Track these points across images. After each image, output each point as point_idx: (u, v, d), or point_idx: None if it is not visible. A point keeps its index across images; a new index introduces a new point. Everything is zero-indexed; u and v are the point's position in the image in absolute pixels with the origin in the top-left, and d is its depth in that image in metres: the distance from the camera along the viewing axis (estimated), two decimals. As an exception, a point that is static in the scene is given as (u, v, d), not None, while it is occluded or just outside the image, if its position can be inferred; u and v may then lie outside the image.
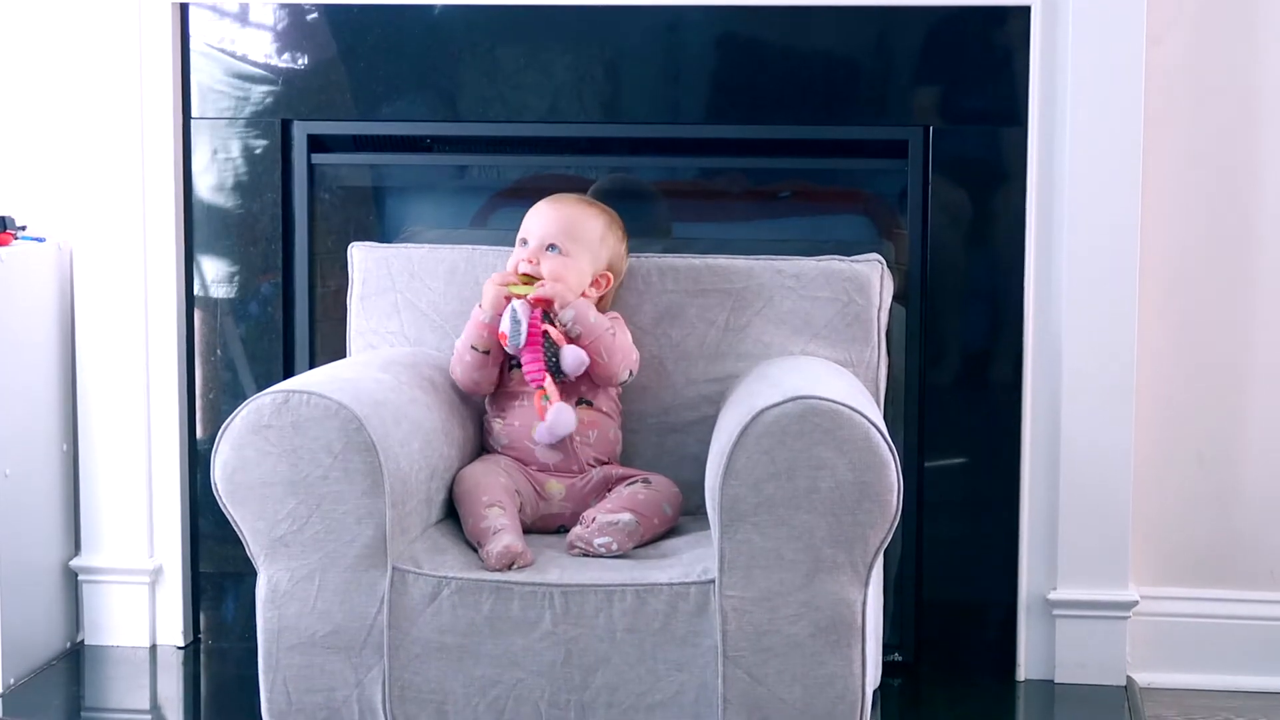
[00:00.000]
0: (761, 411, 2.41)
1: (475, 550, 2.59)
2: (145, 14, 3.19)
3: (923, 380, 3.15)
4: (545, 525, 2.76)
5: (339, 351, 3.10)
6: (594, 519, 2.62)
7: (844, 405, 2.41)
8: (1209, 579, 3.20)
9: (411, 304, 2.98)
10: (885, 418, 2.68)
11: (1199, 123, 3.12)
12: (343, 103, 3.21)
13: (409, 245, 3.06)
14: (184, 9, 3.22)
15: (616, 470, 2.80)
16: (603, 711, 2.48)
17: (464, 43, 3.17)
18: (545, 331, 2.73)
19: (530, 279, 2.78)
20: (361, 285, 3.01)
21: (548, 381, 2.73)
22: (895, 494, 2.41)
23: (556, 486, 2.78)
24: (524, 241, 2.84)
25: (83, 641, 3.33)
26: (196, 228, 3.26)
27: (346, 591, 2.50)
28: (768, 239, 3.23)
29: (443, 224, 3.36)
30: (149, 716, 3.08)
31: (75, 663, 3.26)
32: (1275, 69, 3.10)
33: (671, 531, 2.71)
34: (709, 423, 2.71)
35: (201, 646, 3.34)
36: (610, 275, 2.86)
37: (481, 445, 2.85)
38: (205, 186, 3.26)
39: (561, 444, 2.77)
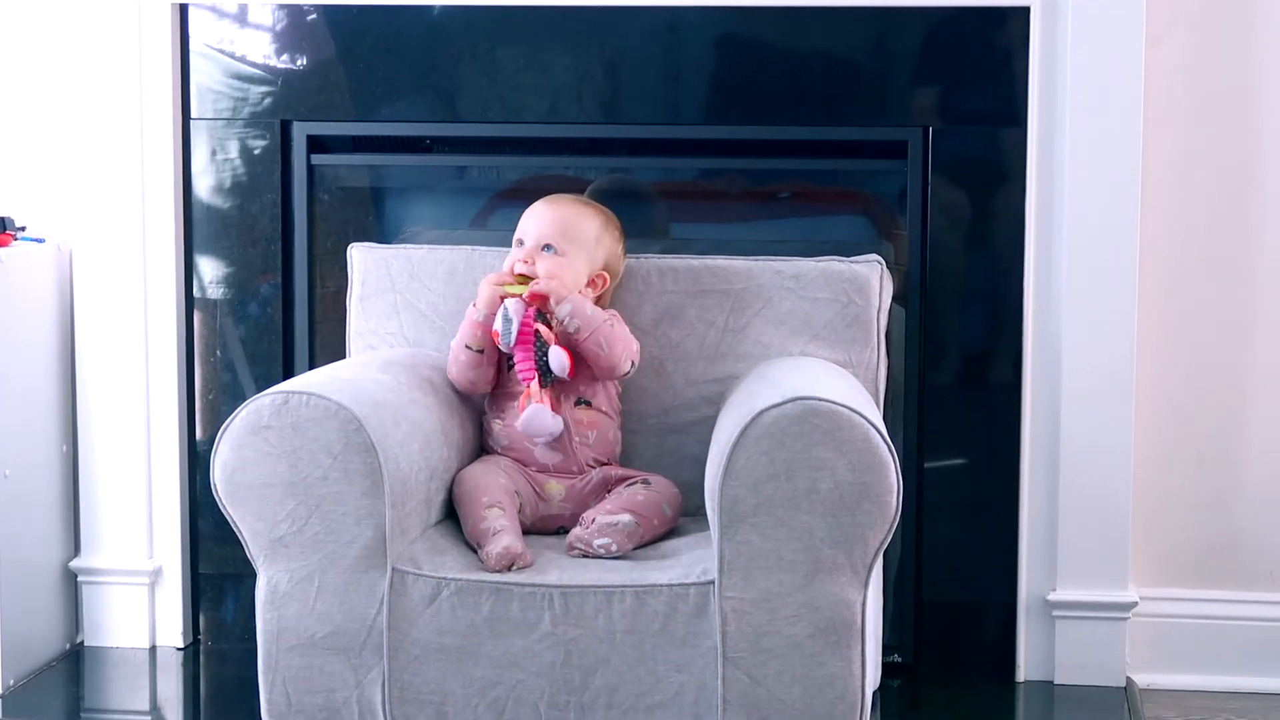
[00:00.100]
0: (761, 412, 2.41)
1: (475, 551, 2.59)
2: (145, 15, 3.19)
3: (922, 381, 3.15)
4: (545, 526, 2.76)
5: (338, 352, 3.10)
6: (593, 520, 2.62)
7: (843, 406, 2.41)
8: (1209, 580, 3.20)
9: (411, 305, 2.98)
10: (885, 418, 2.68)
11: (1199, 123, 3.12)
12: (342, 103, 3.21)
13: (408, 246, 3.06)
14: (183, 10, 3.22)
15: (616, 471, 2.80)
16: (602, 712, 2.47)
17: (463, 43, 3.16)
18: (537, 330, 2.74)
19: (526, 279, 2.78)
20: (361, 286, 3.01)
21: (534, 383, 2.72)
22: (895, 495, 2.40)
23: (556, 487, 2.78)
24: (520, 242, 2.84)
25: (82, 642, 3.33)
26: (196, 228, 3.26)
27: (346, 592, 2.50)
28: (767, 240, 3.23)
29: (442, 225, 3.36)
30: (149, 717, 3.08)
31: (75, 664, 3.26)
32: (1275, 69, 3.10)
33: (671, 532, 2.71)
34: (708, 423, 2.71)
35: (201, 648, 3.34)
36: (606, 275, 2.86)
37: (481, 446, 2.85)
38: (205, 187, 3.26)
39: (561, 445, 2.77)
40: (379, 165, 3.31)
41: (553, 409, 2.74)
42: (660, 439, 2.90)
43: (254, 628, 2.55)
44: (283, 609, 2.51)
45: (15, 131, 3.34)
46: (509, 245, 2.88)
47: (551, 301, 2.75)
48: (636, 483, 2.74)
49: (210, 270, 3.27)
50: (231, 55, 3.22)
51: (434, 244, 3.07)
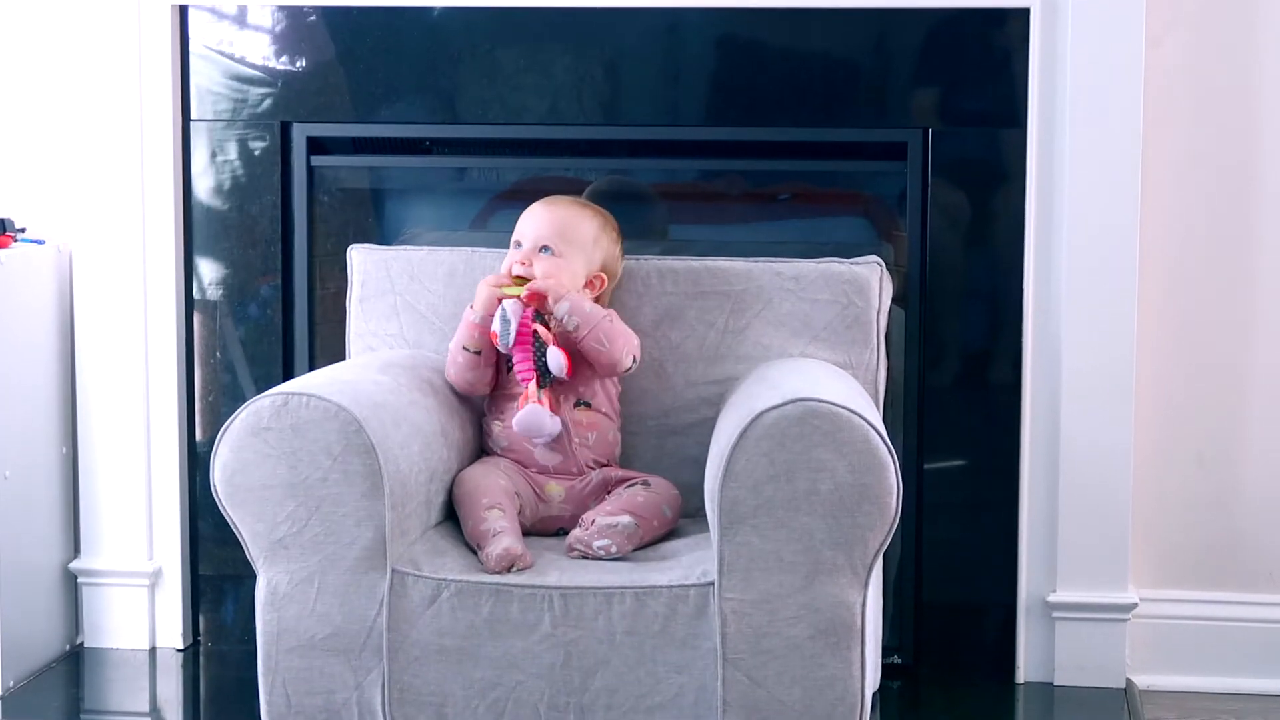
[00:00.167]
0: (761, 414, 2.41)
1: (475, 553, 2.59)
2: (145, 16, 3.19)
3: (922, 382, 3.15)
4: (545, 528, 2.76)
5: (338, 354, 3.10)
6: (593, 521, 2.62)
7: (843, 407, 2.41)
8: (1209, 581, 3.20)
9: (411, 306, 2.98)
10: (885, 420, 2.68)
11: (1199, 123, 3.12)
12: (342, 105, 3.21)
13: (408, 247, 3.06)
14: (183, 11, 3.22)
15: (616, 472, 2.80)
16: (602, 714, 2.47)
17: (463, 45, 3.17)
18: (535, 331, 2.74)
19: (523, 281, 2.78)
20: (361, 287, 3.01)
21: (532, 385, 2.72)
22: (895, 496, 2.40)
23: (556, 489, 2.78)
24: (518, 244, 2.84)
25: (82, 644, 3.33)
26: (196, 230, 3.26)
27: (346, 594, 2.50)
28: (767, 241, 3.23)
29: (442, 226, 3.36)
30: (148, 719, 3.08)
31: (75, 665, 3.26)
32: (1275, 69, 3.10)
33: (671, 534, 2.71)
34: (708, 425, 2.71)
35: (201, 649, 3.34)
36: (604, 277, 2.86)
37: (481, 447, 2.85)
38: (204, 189, 3.26)
39: (560, 446, 2.78)
40: (379, 167, 3.32)
41: (552, 410, 2.74)
42: (660, 440, 2.90)
43: (254, 629, 2.55)
44: (283, 610, 2.51)
45: (15, 133, 3.34)
46: (509, 247, 2.88)
47: (550, 300, 2.75)
48: (636, 484, 2.74)
49: (210, 272, 3.27)
50: (231, 57, 3.22)
51: (434, 245, 3.07)
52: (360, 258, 3.03)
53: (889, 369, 2.95)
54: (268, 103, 3.22)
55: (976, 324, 3.13)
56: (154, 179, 3.23)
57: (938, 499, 3.15)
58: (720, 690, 2.44)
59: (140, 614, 3.30)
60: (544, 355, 2.73)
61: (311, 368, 3.21)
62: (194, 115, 3.24)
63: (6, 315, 3.12)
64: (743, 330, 2.91)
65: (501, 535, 2.56)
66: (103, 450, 3.27)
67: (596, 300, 2.85)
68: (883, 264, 2.94)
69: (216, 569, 3.31)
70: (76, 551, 3.33)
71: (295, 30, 3.20)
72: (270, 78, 3.22)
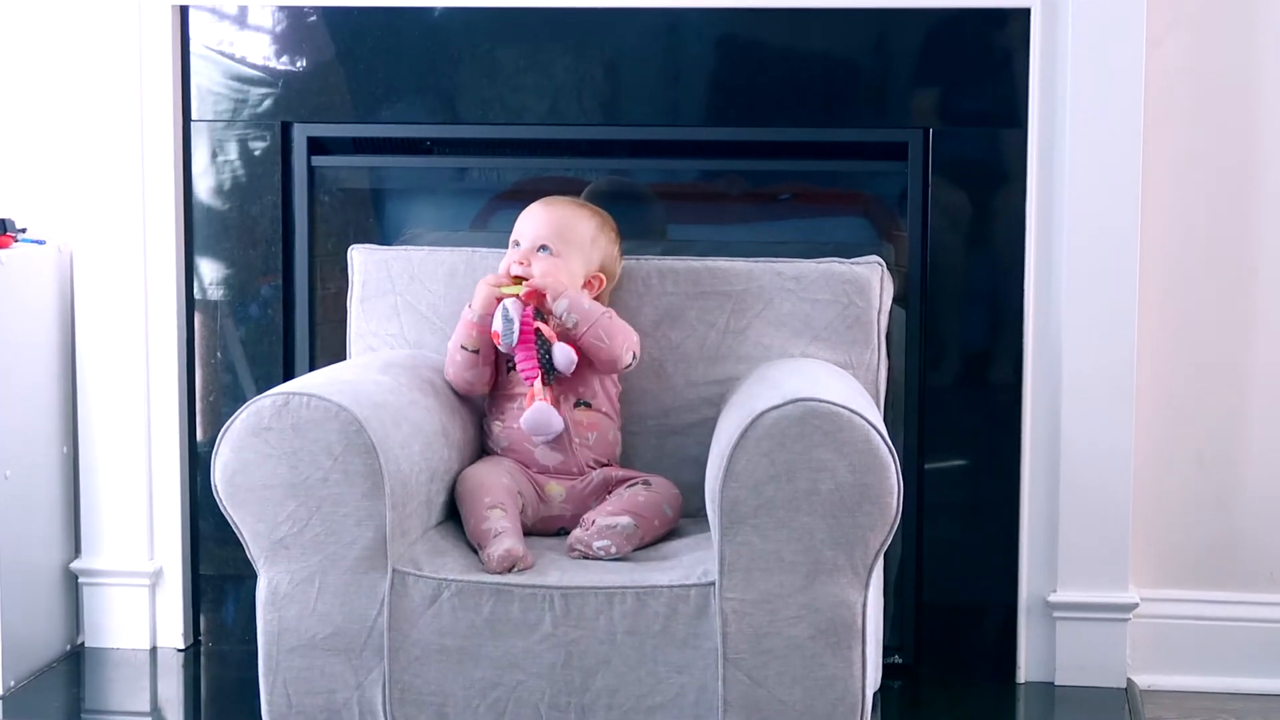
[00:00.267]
0: (761, 414, 2.41)
1: (475, 552, 2.59)
2: (145, 16, 3.19)
3: (923, 382, 3.15)
4: (545, 528, 2.76)
5: (339, 354, 3.10)
6: (593, 521, 2.62)
7: (844, 407, 2.41)
8: (1209, 581, 3.20)
9: (411, 306, 2.98)
10: (885, 420, 2.68)
11: (1199, 123, 3.12)
12: (342, 105, 3.21)
13: (409, 248, 3.06)
14: (184, 11, 3.22)
15: (616, 472, 2.80)
16: (603, 714, 2.47)
17: (463, 45, 3.17)
18: (538, 329, 2.74)
19: (521, 280, 2.78)
20: (361, 288, 3.01)
21: (537, 383, 2.73)
22: (895, 496, 2.40)
23: (557, 489, 2.78)
24: (516, 244, 2.84)
25: (83, 644, 3.33)
26: (196, 230, 3.26)
27: (347, 594, 2.50)
28: (767, 241, 3.23)
29: (443, 226, 3.36)
30: (149, 719, 3.08)
31: (75, 665, 3.26)
32: (1275, 69, 3.10)
33: (672, 534, 2.71)
34: (709, 425, 2.71)
35: (202, 649, 3.34)
36: (603, 277, 2.86)
37: (482, 447, 2.85)
38: (205, 189, 3.26)
39: (561, 445, 2.78)
40: (379, 167, 3.32)
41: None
42: (660, 440, 2.90)
43: (254, 629, 2.55)
44: (283, 610, 2.51)
45: (16, 133, 3.34)
46: (508, 247, 2.88)
47: (549, 298, 2.75)
48: (637, 484, 2.74)
49: (211, 272, 3.27)
50: (232, 57, 3.22)
51: (434, 245, 3.07)
52: (361, 258, 3.03)
53: (890, 369, 2.95)
54: (268, 103, 3.22)
55: (977, 324, 3.14)
56: (154, 179, 3.23)
57: (938, 499, 3.15)
58: (721, 690, 2.44)
59: (141, 614, 3.30)
60: (548, 352, 2.73)
61: (312, 368, 3.21)
62: (194, 115, 3.24)
63: (7, 315, 3.12)
64: (743, 330, 2.91)
65: (503, 536, 2.56)
66: (103, 450, 3.27)
67: (595, 300, 2.85)
68: (883, 264, 2.94)
69: (217, 569, 3.31)
70: (77, 551, 3.33)
71: (296, 30, 3.20)
72: (271, 78, 3.22)
